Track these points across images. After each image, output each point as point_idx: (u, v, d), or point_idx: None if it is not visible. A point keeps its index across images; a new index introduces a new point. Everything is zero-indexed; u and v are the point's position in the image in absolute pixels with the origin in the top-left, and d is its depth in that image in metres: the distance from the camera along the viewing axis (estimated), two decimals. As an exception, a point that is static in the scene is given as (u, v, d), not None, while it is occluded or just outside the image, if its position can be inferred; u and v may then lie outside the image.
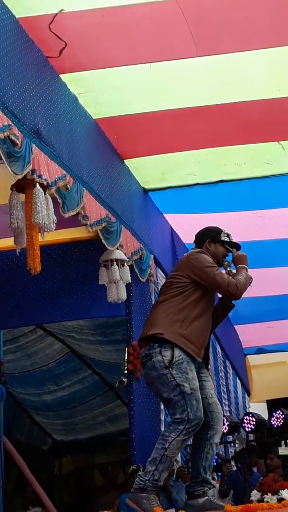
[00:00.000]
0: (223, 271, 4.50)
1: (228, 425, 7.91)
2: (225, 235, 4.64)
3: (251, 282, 4.54)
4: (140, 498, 4.05)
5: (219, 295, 4.67)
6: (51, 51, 5.21)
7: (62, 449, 12.67)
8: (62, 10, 4.89)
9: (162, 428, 7.50)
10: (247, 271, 4.53)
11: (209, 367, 4.32)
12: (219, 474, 8.03)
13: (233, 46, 5.46)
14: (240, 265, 4.54)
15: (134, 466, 6.63)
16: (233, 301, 4.62)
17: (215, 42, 5.41)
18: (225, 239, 4.61)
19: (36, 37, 5.04)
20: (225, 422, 7.93)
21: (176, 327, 4.21)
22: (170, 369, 4.12)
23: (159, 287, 8.07)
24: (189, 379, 4.14)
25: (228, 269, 4.56)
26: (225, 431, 7.92)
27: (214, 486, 7.63)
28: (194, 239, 4.78)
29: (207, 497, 4.27)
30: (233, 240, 4.70)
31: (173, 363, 4.13)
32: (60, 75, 5.50)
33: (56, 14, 4.90)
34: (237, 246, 4.68)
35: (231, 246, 4.65)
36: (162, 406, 7.50)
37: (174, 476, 7.12)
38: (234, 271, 4.57)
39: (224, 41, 5.42)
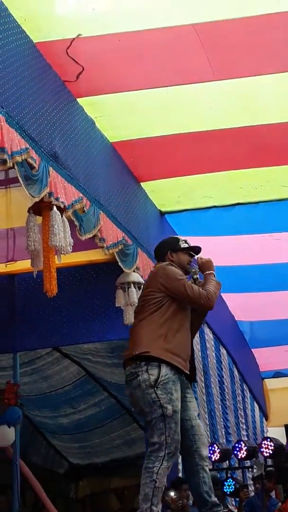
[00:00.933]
0: (190, 280, 4.41)
1: (246, 450, 7.83)
2: (183, 241, 4.56)
3: (220, 288, 4.45)
4: None
5: None
6: (68, 76, 5.26)
7: (78, 472, 12.59)
8: (79, 35, 4.94)
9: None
10: (214, 276, 4.44)
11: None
12: (237, 499, 7.94)
13: (249, 70, 5.49)
14: (207, 272, 4.45)
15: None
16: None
17: (232, 65, 5.44)
18: (185, 246, 4.53)
19: (53, 61, 5.09)
20: (242, 447, 7.85)
21: (161, 342, 4.14)
22: (155, 388, 4.05)
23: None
24: (173, 400, 4.07)
25: (195, 276, 4.47)
26: (243, 456, 7.84)
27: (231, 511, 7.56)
28: (154, 255, 4.71)
29: None
30: (194, 245, 4.59)
31: (158, 382, 4.06)
32: (77, 99, 5.54)
33: (74, 39, 4.95)
34: (197, 249, 4.59)
35: (193, 251, 4.56)
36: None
37: (192, 502, 7.04)
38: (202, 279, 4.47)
39: (241, 64, 5.45)
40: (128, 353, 4.24)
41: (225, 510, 7.46)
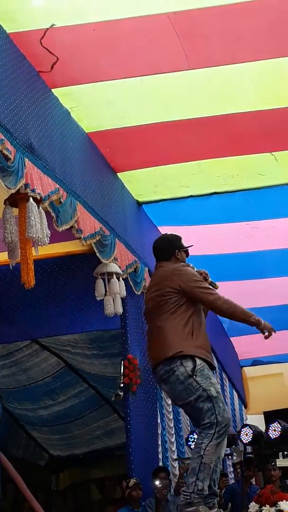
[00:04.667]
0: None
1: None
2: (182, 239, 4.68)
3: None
4: None
5: None
6: (42, 66, 5.22)
7: (59, 464, 12.60)
8: (53, 25, 4.90)
9: (159, 442, 7.47)
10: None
11: None
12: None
13: (224, 59, 5.49)
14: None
15: (135, 479, 6.59)
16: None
17: (206, 54, 5.44)
18: (185, 245, 4.63)
19: (28, 52, 5.05)
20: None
21: (190, 341, 4.27)
22: (194, 377, 4.17)
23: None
24: (213, 383, 4.22)
25: (209, 280, 4.55)
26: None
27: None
28: (155, 252, 4.71)
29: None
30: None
31: (196, 371, 4.19)
32: (52, 90, 5.51)
33: (47, 29, 4.91)
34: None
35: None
36: (159, 419, 7.47)
37: (173, 490, 7.06)
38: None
39: (215, 53, 5.44)
40: (158, 355, 4.29)
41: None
